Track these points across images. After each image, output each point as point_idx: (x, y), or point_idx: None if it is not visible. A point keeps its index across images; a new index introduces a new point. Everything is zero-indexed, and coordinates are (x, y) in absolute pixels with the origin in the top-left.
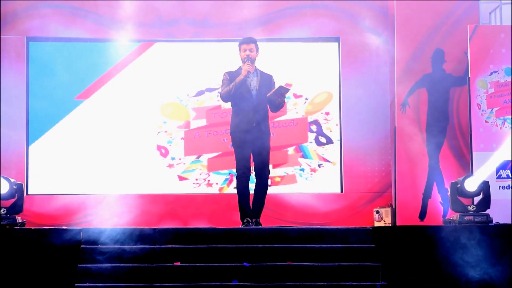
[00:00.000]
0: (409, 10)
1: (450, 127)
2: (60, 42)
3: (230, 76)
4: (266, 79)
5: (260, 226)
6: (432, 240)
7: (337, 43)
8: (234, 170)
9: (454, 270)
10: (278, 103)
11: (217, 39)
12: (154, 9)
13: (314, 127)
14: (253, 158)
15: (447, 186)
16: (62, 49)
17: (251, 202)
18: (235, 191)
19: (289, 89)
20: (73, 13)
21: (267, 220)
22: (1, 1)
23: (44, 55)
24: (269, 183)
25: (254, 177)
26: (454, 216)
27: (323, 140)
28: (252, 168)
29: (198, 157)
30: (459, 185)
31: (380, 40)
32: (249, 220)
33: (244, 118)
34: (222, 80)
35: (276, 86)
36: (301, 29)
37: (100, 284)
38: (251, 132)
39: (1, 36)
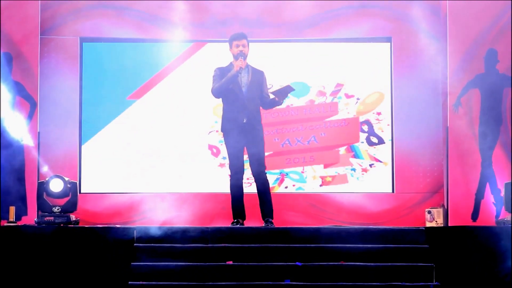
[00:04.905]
0: (462, 10)
1: (503, 128)
2: (113, 43)
3: (221, 72)
4: (257, 75)
5: (273, 226)
6: (486, 240)
7: (389, 43)
8: (285, 170)
9: (508, 270)
10: (277, 101)
11: (269, 39)
12: (206, 9)
13: (365, 127)
14: (248, 157)
15: (500, 186)
16: (115, 49)
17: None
18: (286, 190)
19: (294, 89)
20: (126, 13)
21: (318, 220)
22: (56, 2)
23: (97, 55)
24: (269, 181)
25: (253, 177)
26: (507, 216)
27: (374, 140)
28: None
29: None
30: None
31: (432, 40)
32: (239, 220)
33: (234, 115)
34: (213, 76)
35: (284, 85)
36: (353, 29)
37: (153, 282)
38: (242, 129)
39: (55, 37)
